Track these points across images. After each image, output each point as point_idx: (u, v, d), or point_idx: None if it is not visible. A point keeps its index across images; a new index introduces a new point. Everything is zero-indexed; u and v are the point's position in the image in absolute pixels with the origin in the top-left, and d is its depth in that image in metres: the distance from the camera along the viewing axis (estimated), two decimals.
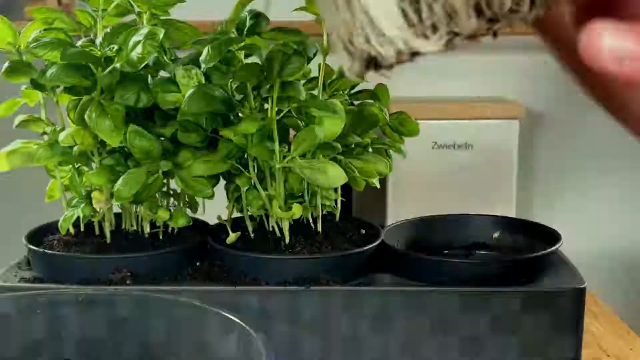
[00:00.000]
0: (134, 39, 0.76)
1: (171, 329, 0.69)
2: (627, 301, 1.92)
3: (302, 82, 0.83)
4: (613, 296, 1.56)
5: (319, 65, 0.86)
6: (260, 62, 0.78)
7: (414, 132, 0.90)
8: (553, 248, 0.83)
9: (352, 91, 0.89)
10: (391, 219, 1.54)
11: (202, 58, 0.77)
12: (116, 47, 0.77)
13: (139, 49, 0.76)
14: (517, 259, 0.84)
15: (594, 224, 1.96)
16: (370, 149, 0.88)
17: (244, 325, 0.61)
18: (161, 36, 0.77)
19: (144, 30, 0.77)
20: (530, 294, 0.77)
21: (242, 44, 0.81)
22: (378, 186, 0.88)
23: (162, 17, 0.88)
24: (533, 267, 0.81)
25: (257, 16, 0.84)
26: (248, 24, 0.84)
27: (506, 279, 0.78)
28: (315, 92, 0.86)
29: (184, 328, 0.69)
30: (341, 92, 0.88)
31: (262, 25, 0.84)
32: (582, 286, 0.79)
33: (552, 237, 0.86)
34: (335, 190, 0.87)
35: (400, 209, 1.60)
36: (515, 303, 0.77)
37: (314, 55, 0.82)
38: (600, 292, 1.17)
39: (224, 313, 0.64)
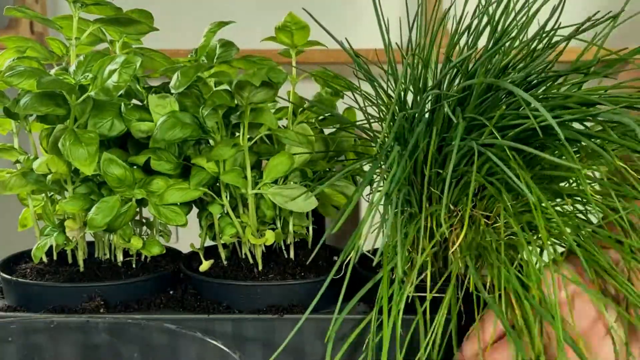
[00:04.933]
0: (110, 67, 0.76)
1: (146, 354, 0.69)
2: None
3: (272, 110, 0.83)
4: None
5: (288, 93, 0.87)
6: (230, 89, 0.79)
7: None
8: None
9: (320, 118, 0.90)
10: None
11: (171, 84, 0.77)
12: (90, 76, 0.77)
13: (115, 77, 0.76)
14: None
15: None
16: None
17: (222, 346, 0.62)
18: (138, 65, 0.77)
19: (120, 59, 0.77)
20: None
21: (212, 71, 0.81)
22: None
23: (134, 46, 0.88)
24: None
25: (227, 44, 0.84)
26: (218, 51, 0.84)
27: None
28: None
29: (159, 353, 0.69)
30: (312, 120, 0.88)
31: (232, 54, 0.85)
32: None
33: None
34: (307, 216, 0.87)
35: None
36: None
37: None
38: None
39: (200, 335, 0.64)
